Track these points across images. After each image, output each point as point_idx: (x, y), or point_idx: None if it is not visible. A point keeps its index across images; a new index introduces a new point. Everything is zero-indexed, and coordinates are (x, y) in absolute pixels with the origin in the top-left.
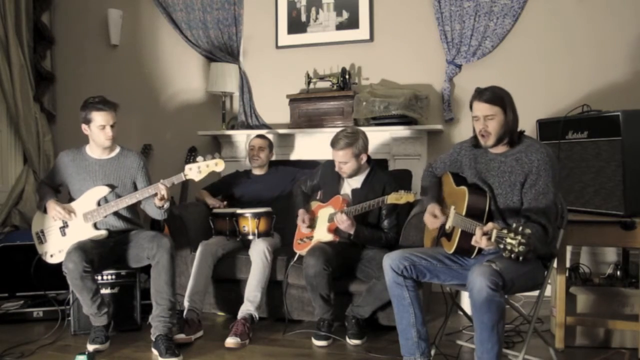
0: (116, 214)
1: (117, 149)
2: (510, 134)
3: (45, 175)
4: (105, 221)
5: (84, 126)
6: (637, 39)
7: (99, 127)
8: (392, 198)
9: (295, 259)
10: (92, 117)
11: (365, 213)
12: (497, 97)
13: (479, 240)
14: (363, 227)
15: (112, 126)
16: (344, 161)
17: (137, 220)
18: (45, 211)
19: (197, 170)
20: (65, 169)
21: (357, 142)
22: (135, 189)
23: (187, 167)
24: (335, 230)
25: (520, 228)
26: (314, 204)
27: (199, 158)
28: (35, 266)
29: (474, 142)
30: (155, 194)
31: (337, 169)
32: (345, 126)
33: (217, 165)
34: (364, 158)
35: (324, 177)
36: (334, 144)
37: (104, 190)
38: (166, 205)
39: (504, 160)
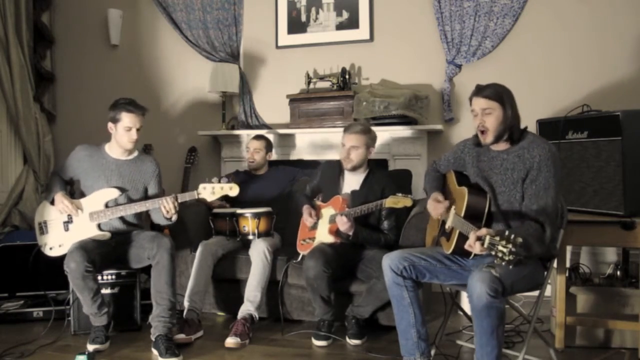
0: (121, 217)
1: (135, 152)
2: (510, 131)
3: (59, 166)
4: (109, 223)
5: (110, 124)
6: (638, 38)
7: (125, 129)
8: (390, 202)
9: (300, 258)
10: (121, 117)
11: (366, 214)
12: (496, 93)
13: (472, 245)
14: (362, 228)
15: (137, 130)
16: (356, 145)
17: (141, 224)
18: (52, 202)
19: (211, 191)
20: (79, 163)
21: (371, 133)
22: (146, 193)
23: (202, 186)
24: (336, 232)
25: (513, 236)
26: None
27: (214, 179)
28: (33, 262)
29: (476, 141)
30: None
31: (343, 156)
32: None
33: (231, 189)
34: (371, 152)
35: (324, 177)
36: (348, 128)
37: (113, 193)
38: (174, 217)
39: (507, 157)
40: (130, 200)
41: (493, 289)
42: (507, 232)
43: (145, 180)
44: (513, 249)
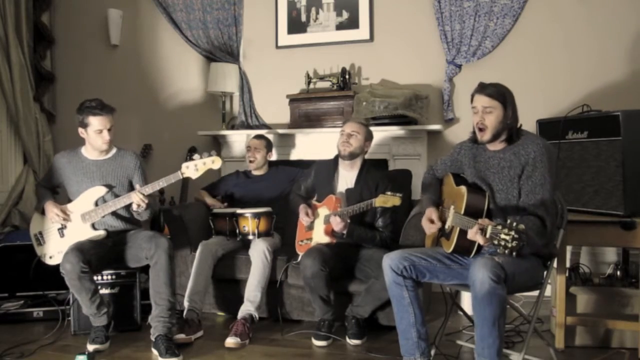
0: (114, 214)
1: (114, 150)
2: (509, 132)
3: (42, 177)
4: (103, 221)
5: (80, 130)
6: (637, 38)
7: (95, 132)
8: (379, 201)
9: (299, 259)
10: (89, 121)
11: (361, 213)
12: (499, 92)
13: (475, 236)
14: (356, 226)
15: (109, 130)
16: (356, 132)
17: (136, 220)
18: (43, 212)
19: (194, 168)
20: (61, 170)
21: (368, 128)
22: (132, 187)
23: (184, 165)
24: (332, 232)
25: (514, 224)
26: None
27: (196, 156)
28: (34, 267)
29: (473, 138)
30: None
31: (342, 141)
32: None
33: (214, 162)
34: (367, 146)
35: (318, 176)
36: (348, 120)
37: (101, 191)
38: (140, 209)
39: (503, 156)
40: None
41: (495, 274)
42: (509, 221)
43: (128, 174)
44: (516, 236)
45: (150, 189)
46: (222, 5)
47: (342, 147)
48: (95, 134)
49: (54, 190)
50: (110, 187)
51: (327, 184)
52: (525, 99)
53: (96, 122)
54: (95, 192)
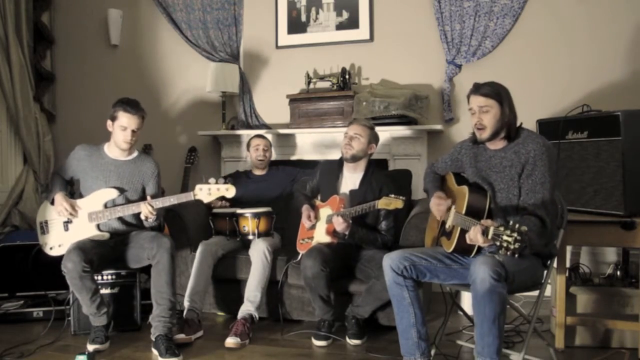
0: (120, 218)
1: (135, 153)
2: (508, 130)
3: (59, 166)
4: (108, 223)
5: (109, 122)
6: (637, 38)
7: (120, 128)
8: (382, 203)
9: (299, 258)
10: (118, 115)
11: (363, 214)
12: (493, 91)
13: (476, 237)
14: (359, 227)
15: (133, 131)
16: (358, 134)
17: (140, 224)
18: (53, 203)
19: (207, 192)
20: (79, 162)
21: (374, 130)
22: (144, 193)
23: (198, 187)
24: (334, 232)
25: (517, 225)
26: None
27: (211, 180)
28: (33, 262)
29: (473, 138)
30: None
31: (345, 144)
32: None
33: (227, 190)
34: (372, 149)
35: (322, 176)
36: (353, 120)
37: (112, 193)
38: (150, 221)
39: (504, 155)
40: (128, 201)
41: (496, 273)
42: (511, 222)
43: (144, 180)
44: (518, 237)
45: (161, 203)
46: (222, 5)
47: (344, 149)
48: (119, 130)
49: (68, 181)
50: (122, 190)
51: (330, 184)
52: (525, 99)
53: (124, 119)
54: (106, 193)
